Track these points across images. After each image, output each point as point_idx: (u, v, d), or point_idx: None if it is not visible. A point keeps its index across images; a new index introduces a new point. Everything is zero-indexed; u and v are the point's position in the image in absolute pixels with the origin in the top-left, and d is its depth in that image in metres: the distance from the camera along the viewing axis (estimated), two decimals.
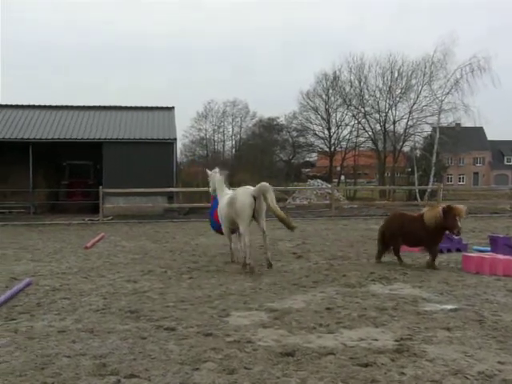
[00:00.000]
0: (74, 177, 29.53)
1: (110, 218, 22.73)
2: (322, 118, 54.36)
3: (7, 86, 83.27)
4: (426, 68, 44.38)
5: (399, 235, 10.28)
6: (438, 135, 40.43)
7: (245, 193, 10.00)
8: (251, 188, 10.12)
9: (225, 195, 10.75)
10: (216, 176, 11.23)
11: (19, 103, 30.07)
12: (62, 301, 7.39)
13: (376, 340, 5.47)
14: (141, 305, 7.09)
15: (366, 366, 4.73)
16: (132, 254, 12.00)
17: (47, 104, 30.28)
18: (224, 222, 10.67)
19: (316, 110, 54.15)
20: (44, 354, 5.05)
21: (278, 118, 58.99)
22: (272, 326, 6.07)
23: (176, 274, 9.40)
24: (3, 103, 30.03)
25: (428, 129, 46.93)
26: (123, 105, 30.99)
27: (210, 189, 11.55)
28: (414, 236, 10.08)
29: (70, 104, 30.64)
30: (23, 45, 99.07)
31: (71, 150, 28.77)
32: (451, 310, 6.63)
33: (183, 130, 59.35)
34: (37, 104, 30.12)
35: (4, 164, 27.64)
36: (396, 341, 5.43)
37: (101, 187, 23.12)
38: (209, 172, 11.68)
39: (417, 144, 47.98)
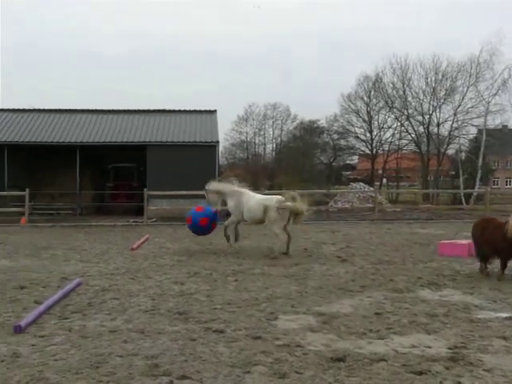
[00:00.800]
0: (118, 179, 30.15)
1: (153, 219, 23.06)
2: (364, 121, 53.82)
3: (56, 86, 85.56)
4: (471, 69, 43.49)
5: (480, 242, 9.56)
6: (484, 137, 39.57)
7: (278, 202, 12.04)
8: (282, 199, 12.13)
9: (250, 196, 12.67)
10: (228, 186, 13.05)
11: (72, 107, 31.00)
12: (111, 301, 7.53)
13: (429, 347, 5.35)
14: (189, 306, 7.15)
15: (420, 373, 4.63)
16: (177, 256, 12.12)
17: (94, 108, 31.03)
18: (242, 218, 12.78)
19: (357, 112, 53.65)
20: (98, 353, 5.14)
21: (319, 120, 58.74)
22: (321, 330, 6.02)
23: (221, 277, 9.45)
24: (55, 108, 30.92)
25: (474, 131, 45.93)
26: (167, 108, 31.40)
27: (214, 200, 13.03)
28: (492, 244, 9.20)
29: (114, 108, 31.28)
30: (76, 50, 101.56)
31: (116, 152, 29.37)
32: (506, 319, 6.43)
33: (224, 133, 59.63)
34: (85, 108, 30.90)
35: (52, 167, 28.45)
36: (450, 349, 5.30)
37: (145, 189, 23.49)
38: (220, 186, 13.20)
39: (462, 146, 47.01)
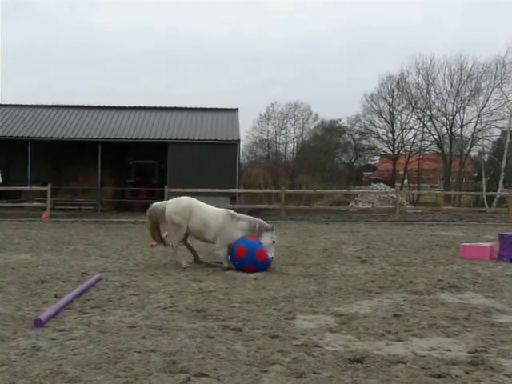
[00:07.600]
0: (139, 176, 30.41)
1: None
2: (386, 121, 53.36)
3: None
4: (496, 70, 42.96)
5: None
6: (508, 139, 39.02)
7: None
8: None
9: None
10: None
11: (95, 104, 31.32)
12: (131, 297, 7.57)
13: (448, 350, 5.28)
14: (207, 304, 7.16)
15: (439, 377, 4.57)
16: None
17: (115, 105, 31.30)
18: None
19: (380, 112, 53.20)
20: (116, 349, 5.17)
21: (341, 120, 58.43)
22: (339, 330, 5.98)
23: (240, 275, 9.43)
24: (78, 104, 31.29)
25: (497, 133, 45.30)
26: (188, 106, 31.54)
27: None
28: None
29: (136, 105, 31.53)
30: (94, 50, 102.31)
31: (137, 149, 29.64)
32: None
33: (245, 132, 59.72)
34: (107, 105, 31.18)
35: (75, 163, 28.81)
36: (470, 352, 5.22)
37: (166, 186, 23.62)
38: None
39: (485, 148, 46.37)
